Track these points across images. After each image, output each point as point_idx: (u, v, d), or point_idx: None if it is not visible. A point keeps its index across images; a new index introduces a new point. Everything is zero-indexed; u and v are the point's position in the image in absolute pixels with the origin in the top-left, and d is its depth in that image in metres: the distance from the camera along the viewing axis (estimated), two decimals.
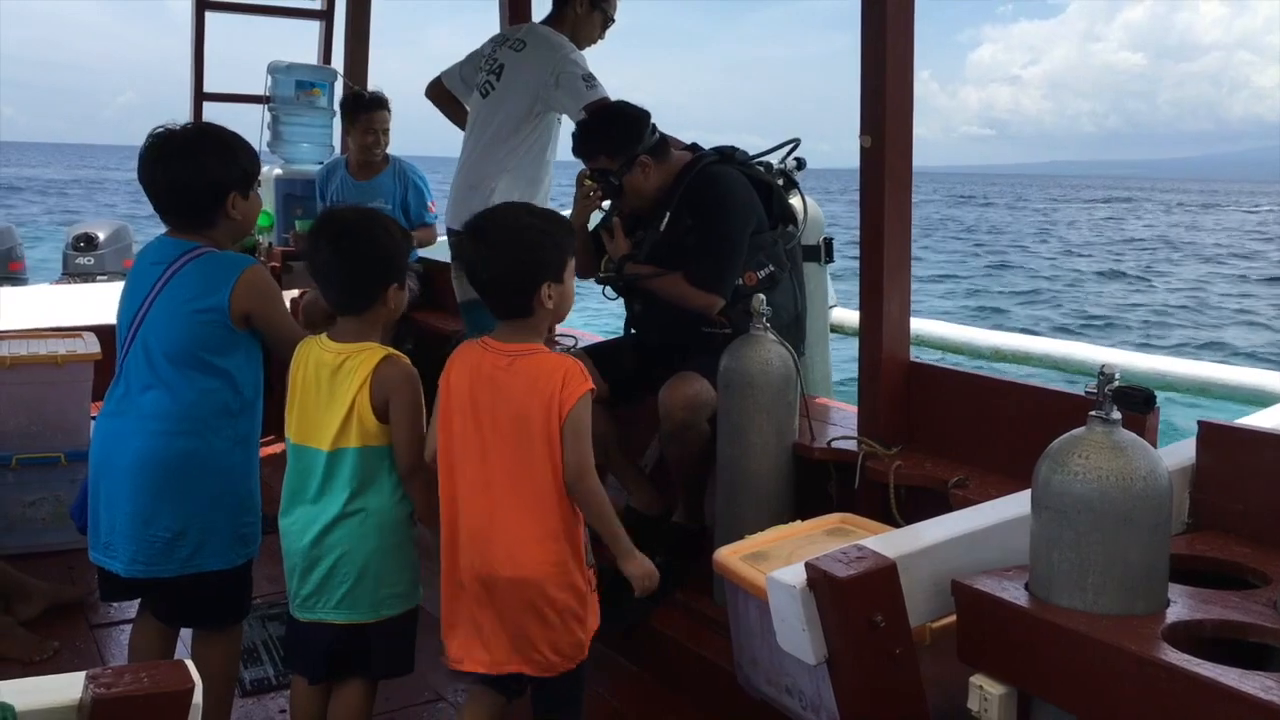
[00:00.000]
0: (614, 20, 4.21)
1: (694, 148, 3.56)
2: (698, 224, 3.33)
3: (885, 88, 2.85)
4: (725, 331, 3.27)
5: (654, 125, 3.44)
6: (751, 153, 3.61)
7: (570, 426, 2.28)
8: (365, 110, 5.24)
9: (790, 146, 3.63)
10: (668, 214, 3.37)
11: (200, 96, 6.30)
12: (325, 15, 6.43)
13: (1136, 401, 1.72)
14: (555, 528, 2.30)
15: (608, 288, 3.59)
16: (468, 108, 4.33)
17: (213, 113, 6.38)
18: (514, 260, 2.30)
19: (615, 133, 3.40)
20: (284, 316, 2.62)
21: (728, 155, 3.47)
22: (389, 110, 5.30)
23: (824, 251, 3.71)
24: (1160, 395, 1.92)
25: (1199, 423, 2.20)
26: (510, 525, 2.29)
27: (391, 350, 2.42)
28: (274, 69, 6.30)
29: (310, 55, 6.54)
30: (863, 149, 2.93)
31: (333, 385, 2.39)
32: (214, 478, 2.54)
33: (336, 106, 6.32)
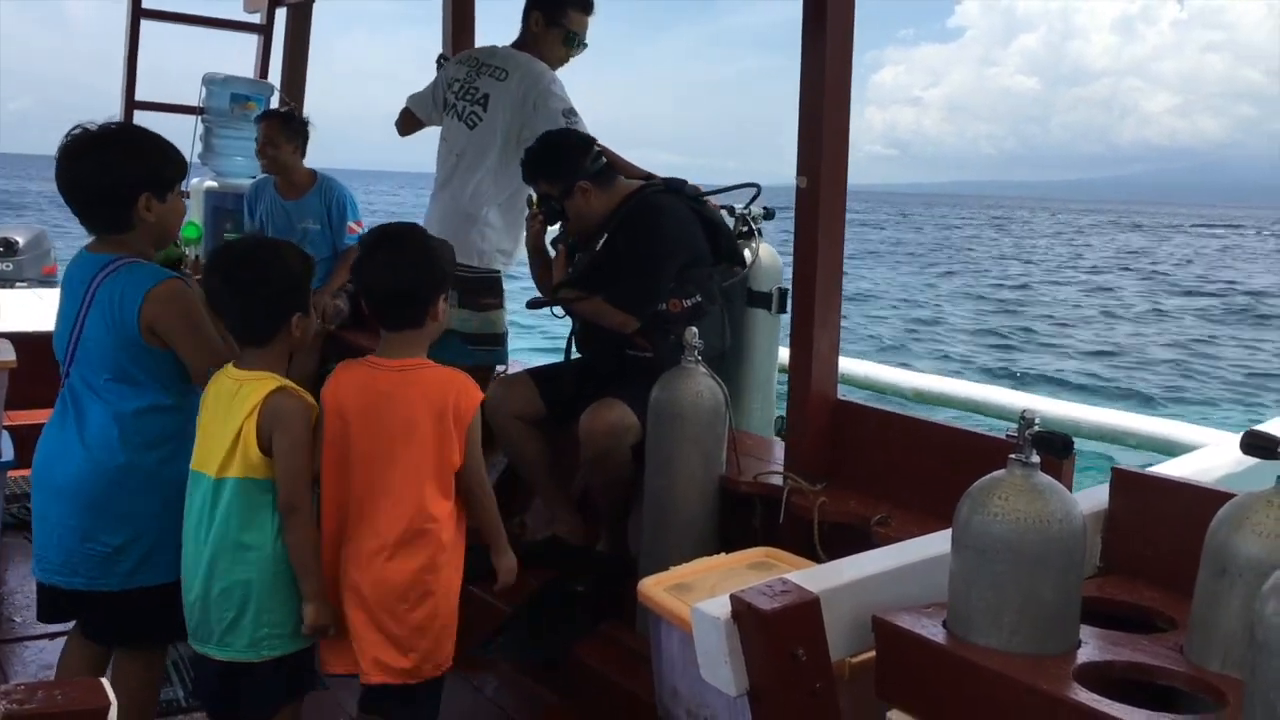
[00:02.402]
0: (579, 39, 4.17)
1: (649, 178, 3.61)
2: (625, 247, 3.39)
3: (822, 131, 2.91)
4: (647, 355, 3.33)
5: (598, 152, 3.49)
6: (706, 187, 3.67)
7: (472, 434, 2.47)
8: (261, 120, 5.18)
9: (753, 194, 3.71)
10: (604, 237, 3.43)
11: (131, 104, 6.21)
12: (264, 29, 6.38)
13: (1056, 446, 1.77)
14: (434, 537, 2.42)
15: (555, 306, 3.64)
16: (435, 125, 4.34)
17: (143, 121, 6.29)
18: (415, 272, 2.46)
19: (554, 159, 3.47)
20: (190, 335, 2.47)
21: (675, 188, 3.53)
22: (288, 129, 5.14)
23: (776, 300, 3.73)
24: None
25: (1112, 469, 2.26)
26: (399, 533, 2.40)
27: (286, 382, 2.37)
28: (209, 80, 6.22)
29: (245, 68, 6.48)
30: (798, 189, 2.99)
31: (228, 412, 2.35)
32: (159, 491, 2.49)
33: None
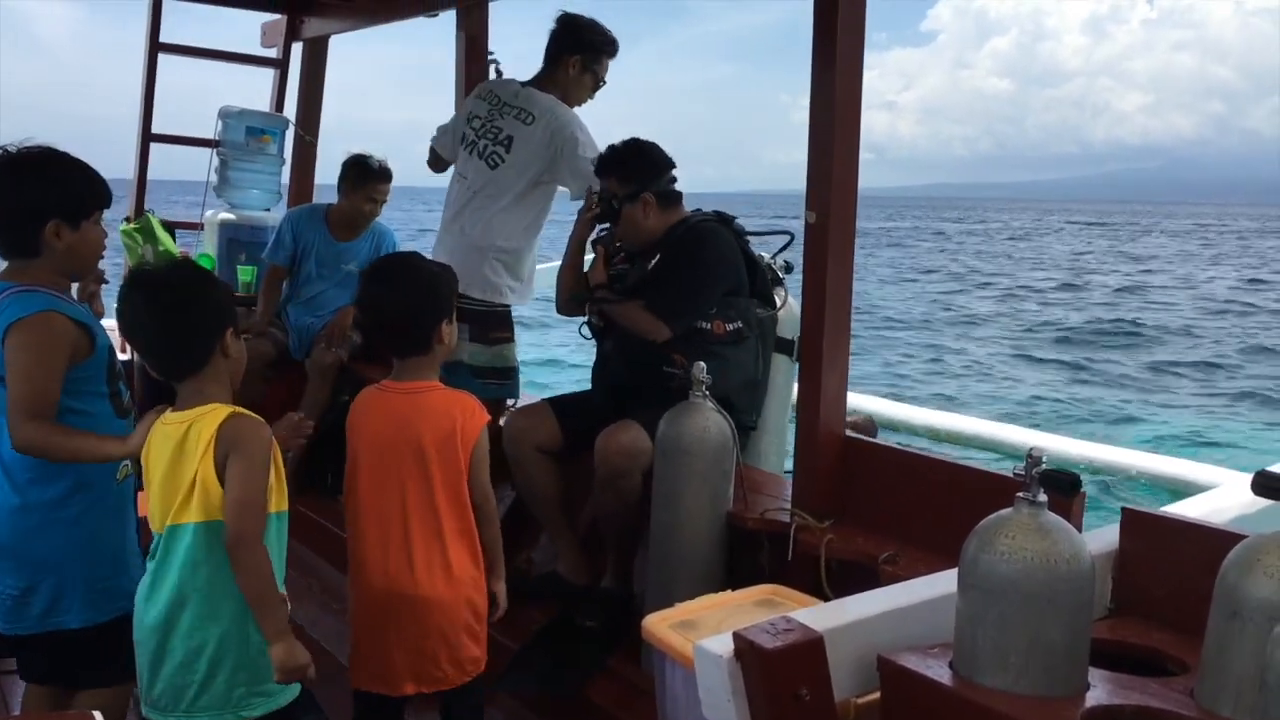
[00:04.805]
0: (605, 82, 4.25)
1: (702, 212, 3.65)
2: (672, 265, 3.45)
3: (832, 168, 2.91)
4: (683, 372, 3.32)
5: (674, 177, 3.56)
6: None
7: (477, 455, 2.58)
8: (374, 180, 5.18)
9: (785, 243, 3.72)
10: (658, 256, 3.49)
11: (148, 137, 6.25)
12: (280, 64, 6.43)
13: (1063, 485, 1.75)
14: (459, 553, 2.55)
15: (584, 327, 3.70)
16: (452, 160, 4.37)
17: (160, 154, 6.35)
18: (416, 299, 2.57)
19: (633, 162, 3.54)
20: (22, 375, 2.32)
21: (726, 220, 3.58)
22: (391, 183, 5.29)
23: (798, 348, 3.74)
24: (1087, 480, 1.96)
25: (1122, 509, 2.23)
26: (419, 548, 2.52)
27: (238, 408, 2.20)
28: (225, 114, 6.26)
29: (255, 99, 6.52)
30: (807, 224, 2.98)
31: (179, 458, 2.16)
32: (54, 533, 2.41)
33: (287, 154, 6.30)
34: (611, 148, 3.63)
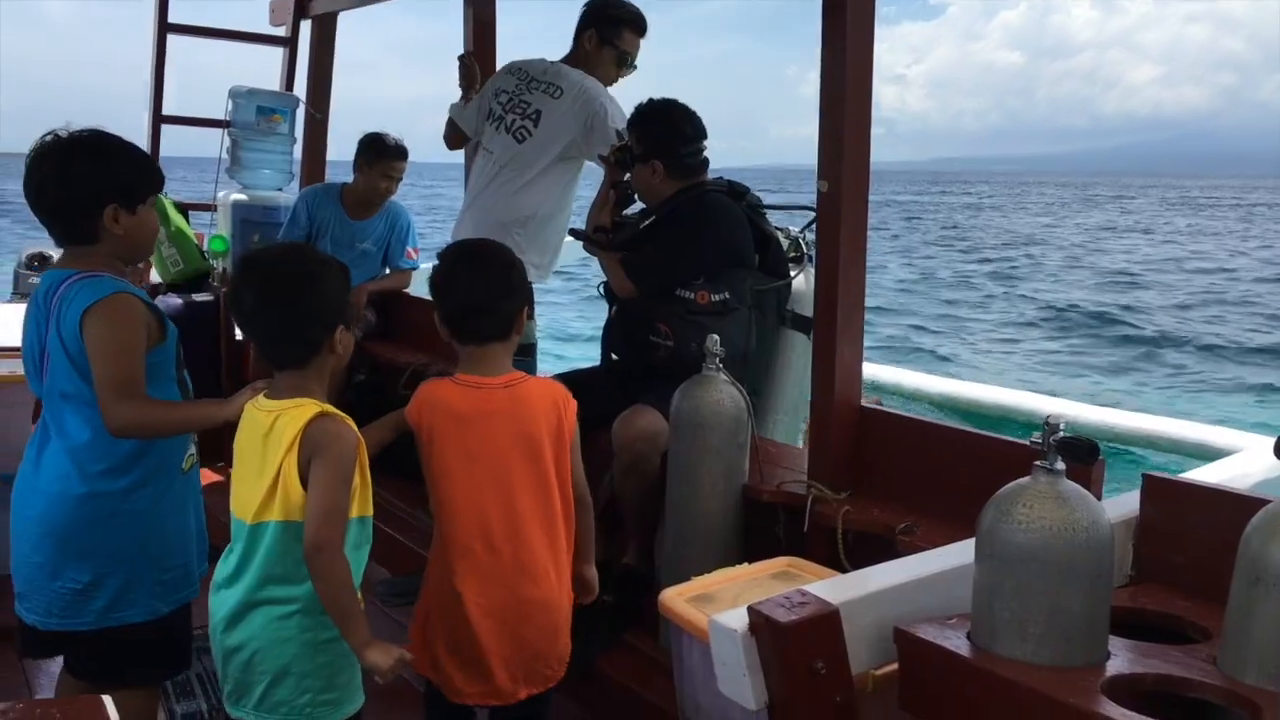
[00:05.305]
0: (631, 60, 4.16)
1: (716, 181, 3.63)
2: (664, 232, 3.44)
3: (844, 135, 2.88)
4: (668, 344, 3.33)
5: (699, 149, 3.54)
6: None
7: (576, 443, 2.50)
8: (389, 157, 5.18)
9: (810, 219, 3.69)
10: (653, 218, 3.52)
11: (159, 119, 6.25)
12: (289, 42, 6.41)
13: (1081, 452, 1.72)
14: (564, 547, 2.47)
15: (601, 285, 3.70)
16: (478, 137, 4.34)
17: (172, 135, 6.34)
18: (505, 285, 2.45)
19: (654, 125, 3.55)
20: (108, 357, 2.30)
21: (738, 192, 3.56)
22: (407, 161, 5.29)
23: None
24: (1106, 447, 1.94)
25: (1143, 475, 2.21)
26: (536, 548, 2.40)
27: (328, 407, 2.13)
28: (235, 94, 6.25)
29: (263, 76, 6.50)
30: (819, 194, 2.95)
31: (264, 449, 2.11)
32: (122, 524, 2.38)
33: (298, 133, 6.29)
34: (648, 102, 3.59)
